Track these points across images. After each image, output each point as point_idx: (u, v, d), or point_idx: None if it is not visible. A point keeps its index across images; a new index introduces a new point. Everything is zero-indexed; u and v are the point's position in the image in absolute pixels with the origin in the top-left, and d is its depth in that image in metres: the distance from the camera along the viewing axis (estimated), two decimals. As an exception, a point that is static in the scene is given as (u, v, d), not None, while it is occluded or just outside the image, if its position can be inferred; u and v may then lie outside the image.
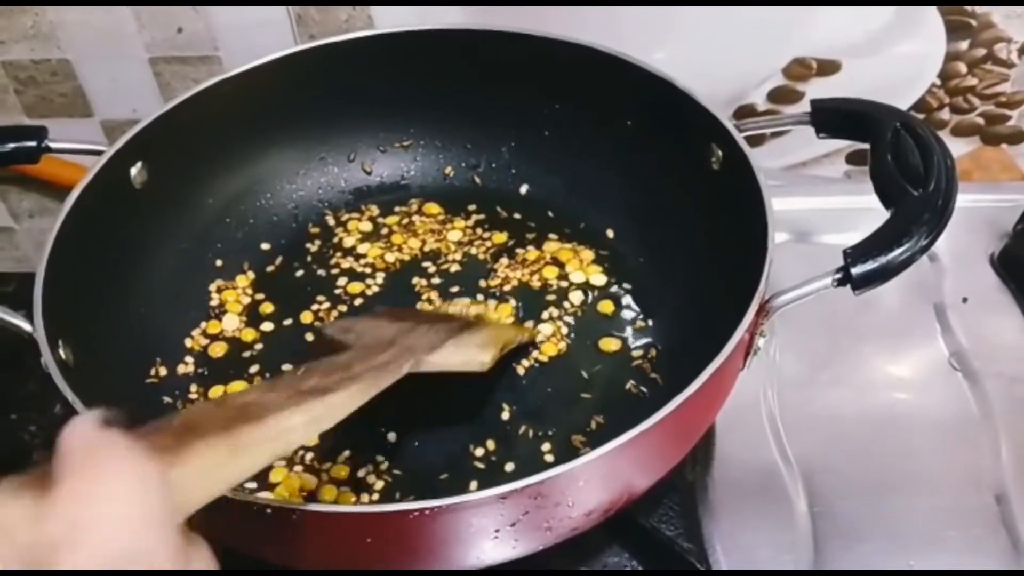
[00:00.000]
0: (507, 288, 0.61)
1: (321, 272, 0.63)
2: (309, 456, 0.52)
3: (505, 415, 0.54)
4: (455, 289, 0.61)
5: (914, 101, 0.74)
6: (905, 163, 0.47)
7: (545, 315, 0.59)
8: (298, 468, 0.52)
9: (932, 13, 0.70)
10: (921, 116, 0.75)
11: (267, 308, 0.61)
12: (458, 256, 0.63)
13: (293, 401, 0.31)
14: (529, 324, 0.58)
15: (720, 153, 0.54)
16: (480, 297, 0.60)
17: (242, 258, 0.63)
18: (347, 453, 0.52)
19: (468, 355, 0.48)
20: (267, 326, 0.60)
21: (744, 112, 0.76)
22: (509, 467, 0.51)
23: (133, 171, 0.56)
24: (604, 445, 0.39)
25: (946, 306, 0.62)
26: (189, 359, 0.58)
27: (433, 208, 0.66)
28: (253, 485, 0.51)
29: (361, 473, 0.52)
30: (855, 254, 0.43)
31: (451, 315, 0.57)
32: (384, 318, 0.51)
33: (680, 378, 0.42)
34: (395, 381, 0.41)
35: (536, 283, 0.61)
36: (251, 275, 0.63)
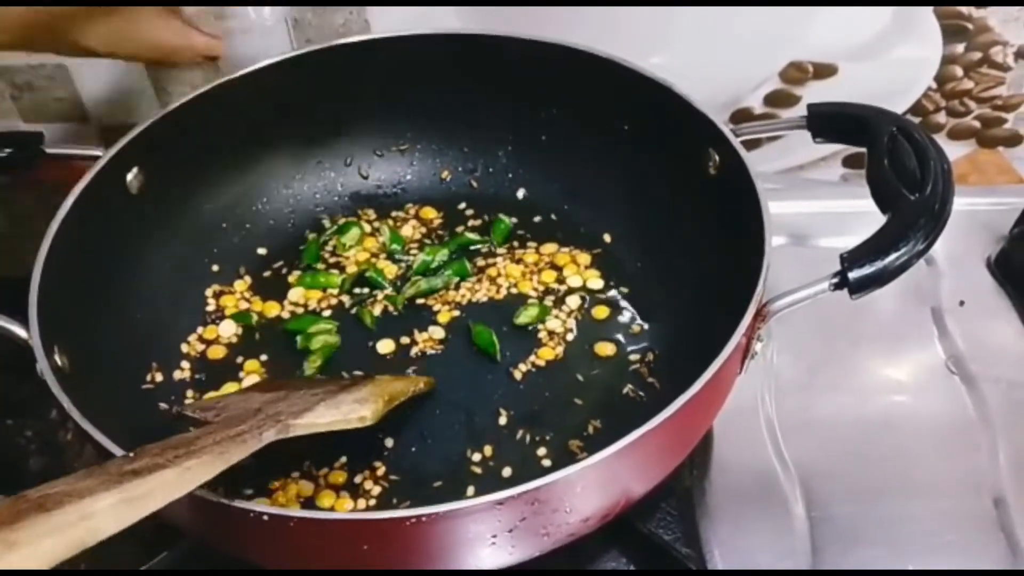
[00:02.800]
0: (503, 293, 0.61)
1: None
2: (306, 462, 0.52)
3: (502, 420, 0.54)
4: (451, 294, 0.61)
5: (910, 104, 0.75)
6: (901, 167, 0.47)
7: (542, 319, 0.59)
8: (295, 474, 0.52)
9: (928, 17, 0.70)
10: (917, 119, 0.75)
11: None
12: (454, 260, 0.63)
13: (104, 485, 0.30)
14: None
15: (717, 158, 0.54)
16: (477, 300, 0.60)
17: (239, 263, 0.63)
18: (344, 459, 0.52)
19: (344, 411, 0.45)
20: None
21: (740, 116, 0.76)
22: (506, 472, 0.51)
23: (129, 176, 0.56)
24: (601, 450, 0.39)
25: (943, 310, 0.63)
26: (185, 364, 0.58)
27: (429, 212, 0.66)
28: (250, 491, 0.51)
29: (358, 479, 0.51)
30: (852, 258, 0.43)
31: (334, 379, 0.54)
32: (255, 390, 0.49)
33: (677, 382, 0.42)
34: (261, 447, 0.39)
35: (533, 287, 0.61)
36: (248, 280, 0.62)
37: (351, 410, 0.45)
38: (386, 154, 0.68)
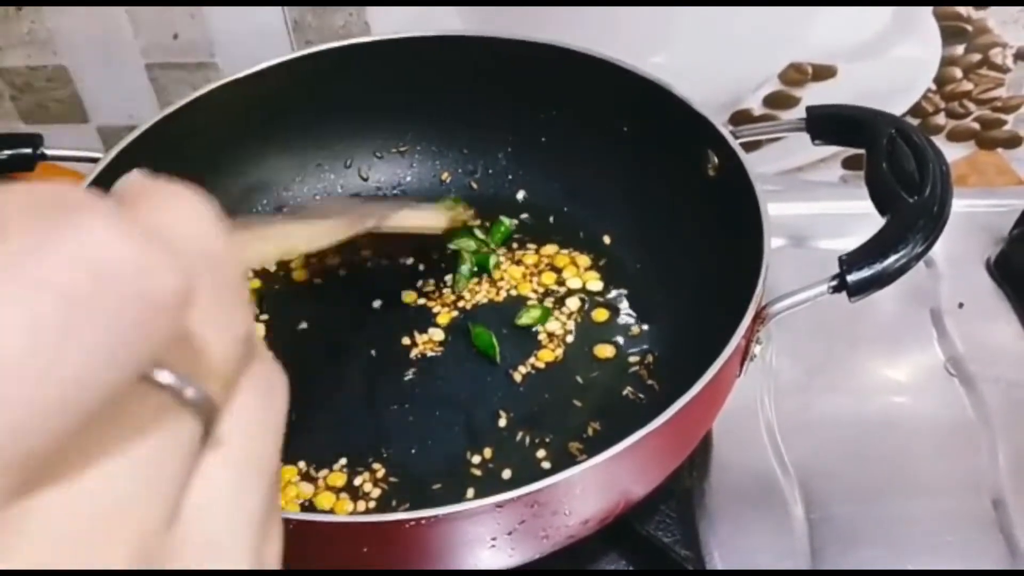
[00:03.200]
0: (503, 295, 0.61)
1: (317, 279, 0.63)
2: (306, 464, 0.52)
3: (502, 422, 0.54)
4: (451, 296, 0.61)
5: (910, 106, 0.75)
6: (900, 169, 0.47)
7: (543, 321, 0.59)
8: (294, 477, 0.52)
9: (928, 18, 0.70)
10: (917, 121, 0.75)
11: (264, 316, 0.61)
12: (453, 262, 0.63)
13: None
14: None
15: (716, 159, 0.54)
16: (477, 302, 0.60)
17: (239, 265, 0.63)
18: (343, 461, 0.52)
19: (424, 217, 0.55)
20: (263, 331, 0.60)
21: (740, 117, 0.76)
22: (506, 474, 0.51)
23: (129, 178, 0.56)
24: (601, 453, 0.39)
25: (942, 311, 0.62)
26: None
27: (430, 214, 0.66)
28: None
29: (357, 481, 0.51)
30: (850, 261, 0.43)
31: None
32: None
33: (677, 384, 0.42)
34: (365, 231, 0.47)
35: (533, 289, 0.61)
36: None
37: (430, 217, 0.56)
38: (386, 156, 0.68)
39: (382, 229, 0.50)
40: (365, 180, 0.68)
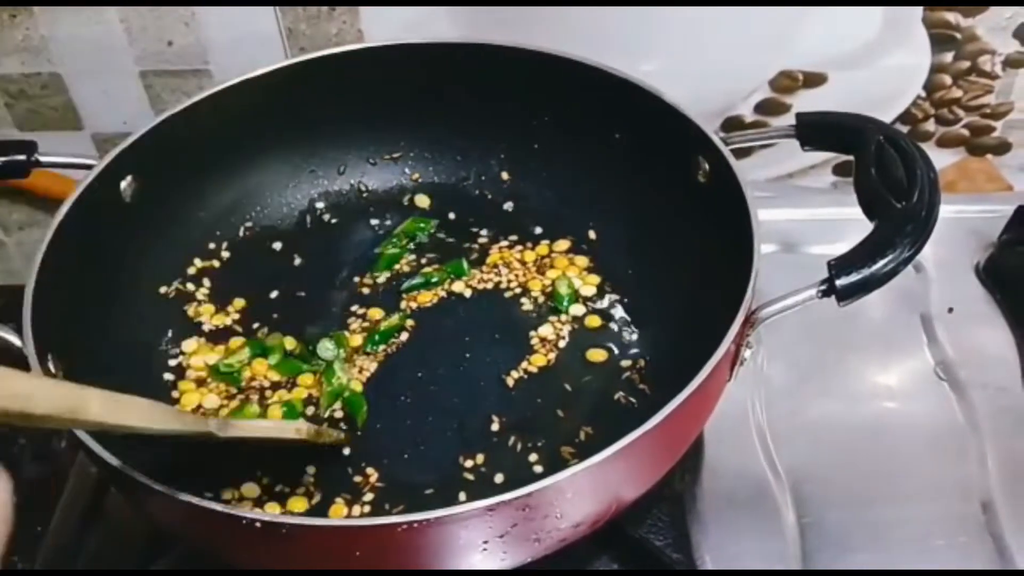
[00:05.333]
0: (497, 300, 0.61)
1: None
2: (309, 468, 0.52)
3: (495, 427, 0.54)
4: (445, 297, 0.61)
5: (900, 113, 0.75)
6: (889, 175, 0.47)
7: (534, 325, 0.59)
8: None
9: (918, 26, 0.71)
10: (907, 128, 0.76)
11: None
12: (452, 260, 0.63)
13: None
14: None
15: (707, 166, 0.55)
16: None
17: (232, 271, 0.63)
18: (336, 465, 0.52)
19: (280, 426, 0.51)
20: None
21: (731, 124, 0.76)
22: (498, 479, 0.52)
23: (123, 184, 0.56)
24: (592, 456, 0.39)
25: (932, 316, 0.63)
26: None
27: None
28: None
29: (351, 486, 0.51)
30: (839, 266, 0.43)
31: None
32: None
33: (668, 389, 0.42)
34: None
35: (525, 294, 0.61)
36: (242, 287, 0.63)
37: (286, 427, 0.50)
38: (379, 163, 0.68)
39: (228, 433, 0.43)
40: (358, 186, 0.68)
